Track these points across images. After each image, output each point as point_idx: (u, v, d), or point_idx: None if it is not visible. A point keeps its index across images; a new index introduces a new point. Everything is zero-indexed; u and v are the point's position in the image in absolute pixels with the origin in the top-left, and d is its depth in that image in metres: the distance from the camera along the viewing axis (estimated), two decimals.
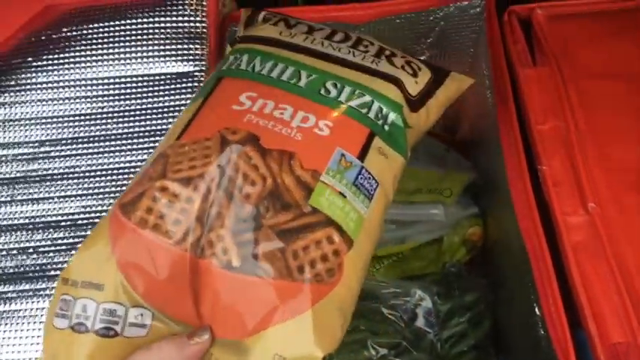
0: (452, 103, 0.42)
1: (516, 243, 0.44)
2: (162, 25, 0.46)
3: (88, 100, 0.46)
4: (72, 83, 0.47)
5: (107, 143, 0.45)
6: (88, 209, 0.43)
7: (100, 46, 0.46)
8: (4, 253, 0.43)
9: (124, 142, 0.45)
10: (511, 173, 0.44)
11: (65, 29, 0.47)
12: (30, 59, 0.47)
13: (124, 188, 0.40)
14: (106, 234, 0.32)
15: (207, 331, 0.30)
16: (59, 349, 0.31)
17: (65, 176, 0.44)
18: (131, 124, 0.45)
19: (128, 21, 0.46)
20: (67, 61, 0.47)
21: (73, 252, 0.41)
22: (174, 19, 0.47)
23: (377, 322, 0.43)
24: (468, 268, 0.54)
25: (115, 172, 0.44)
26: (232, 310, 0.30)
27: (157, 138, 0.44)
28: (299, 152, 0.32)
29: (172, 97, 0.45)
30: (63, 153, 0.45)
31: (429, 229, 0.51)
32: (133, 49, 0.46)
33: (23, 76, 0.48)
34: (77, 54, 0.46)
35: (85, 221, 0.43)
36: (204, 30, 0.46)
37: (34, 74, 0.47)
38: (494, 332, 0.52)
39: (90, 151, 0.45)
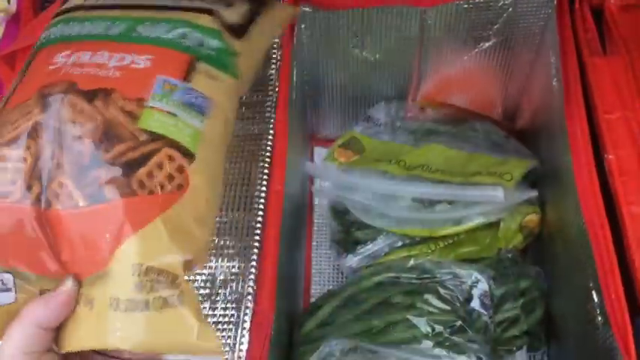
0: (280, 33, 0.43)
1: (577, 231, 0.44)
2: None
3: None
4: None
5: None
6: None
7: None
8: None
9: None
10: (576, 162, 0.44)
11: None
12: None
13: None
14: None
15: (70, 278, 0.31)
16: None
17: None
18: None
19: None
20: None
21: None
22: None
23: (433, 300, 0.44)
24: (521, 255, 0.54)
25: None
26: (89, 246, 0.31)
27: None
28: (119, 87, 0.33)
29: None
30: None
31: (487, 210, 0.51)
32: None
33: None
34: None
35: None
36: None
37: None
38: (545, 321, 0.52)
39: None
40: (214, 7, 0.39)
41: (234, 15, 0.39)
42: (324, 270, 0.64)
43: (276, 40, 0.48)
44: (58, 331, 0.31)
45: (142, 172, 0.31)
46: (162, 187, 0.31)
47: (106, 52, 0.35)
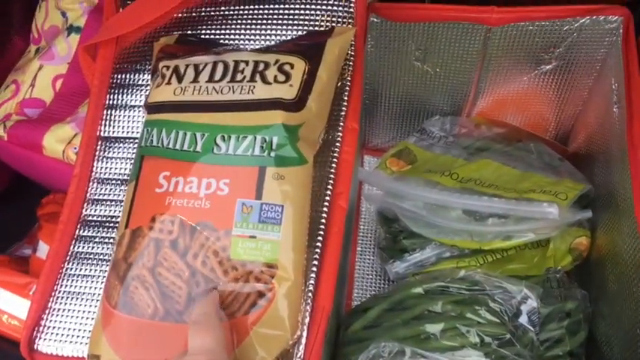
0: (347, 49, 0.46)
1: (631, 258, 0.45)
2: (313, 10, 0.50)
3: None
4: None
5: None
6: None
7: (254, 26, 0.50)
8: None
9: None
10: (637, 189, 0.44)
11: (223, 7, 0.51)
12: (189, 32, 0.52)
13: None
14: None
15: None
16: None
17: None
18: None
19: (282, 5, 0.50)
20: (222, 36, 0.51)
21: None
22: (324, 5, 0.50)
23: (483, 312, 0.45)
24: (567, 277, 0.55)
25: None
26: None
27: None
28: (212, 219, 0.40)
29: None
30: None
31: (538, 227, 0.51)
32: (286, 31, 0.49)
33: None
34: (232, 31, 0.51)
35: None
36: (351, 16, 0.49)
37: None
38: (588, 344, 0.52)
39: None
40: (276, 92, 0.42)
41: (292, 89, 0.42)
42: (366, 275, 0.65)
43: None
44: None
45: (239, 297, 0.39)
46: (252, 305, 0.39)
47: (195, 178, 0.41)
